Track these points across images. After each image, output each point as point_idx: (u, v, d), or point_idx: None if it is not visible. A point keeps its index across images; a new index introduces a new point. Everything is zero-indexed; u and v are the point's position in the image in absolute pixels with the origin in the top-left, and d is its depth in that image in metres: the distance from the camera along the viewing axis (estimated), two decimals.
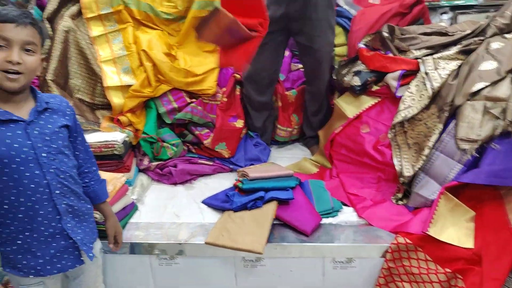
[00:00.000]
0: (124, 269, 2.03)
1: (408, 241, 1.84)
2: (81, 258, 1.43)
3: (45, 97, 1.37)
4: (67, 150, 1.39)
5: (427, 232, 1.80)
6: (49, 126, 1.32)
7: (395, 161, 2.16)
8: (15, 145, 1.23)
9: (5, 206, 1.27)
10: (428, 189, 2.03)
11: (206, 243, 1.92)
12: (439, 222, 1.84)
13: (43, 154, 1.29)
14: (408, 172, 2.11)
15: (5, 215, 1.28)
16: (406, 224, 1.94)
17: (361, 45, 2.52)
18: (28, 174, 1.26)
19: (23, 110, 1.28)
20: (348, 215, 2.10)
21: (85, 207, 1.46)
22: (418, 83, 2.22)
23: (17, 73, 1.22)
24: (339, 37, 2.78)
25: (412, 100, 2.20)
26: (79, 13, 2.77)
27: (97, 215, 1.68)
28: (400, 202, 2.14)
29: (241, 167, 2.58)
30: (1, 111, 1.23)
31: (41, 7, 2.72)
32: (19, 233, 1.30)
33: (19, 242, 1.31)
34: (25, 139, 1.25)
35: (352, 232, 1.98)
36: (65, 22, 2.62)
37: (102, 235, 1.67)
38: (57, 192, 1.32)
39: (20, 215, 1.28)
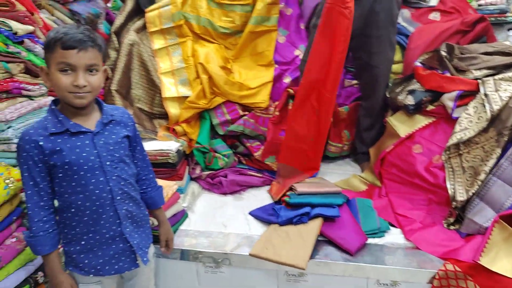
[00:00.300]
0: (173, 273, 2.11)
1: (458, 268, 1.78)
2: (137, 262, 1.52)
3: (110, 109, 1.48)
4: (128, 159, 1.48)
5: (478, 261, 1.73)
6: (112, 136, 1.42)
7: (448, 185, 2.09)
8: (83, 154, 1.34)
9: (72, 210, 1.38)
10: (483, 215, 1.95)
11: (250, 254, 1.97)
12: (492, 252, 1.76)
13: (107, 163, 1.39)
14: (461, 196, 2.03)
15: (71, 217, 1.39)
16: (456, 251, 1.87)
17: (418, 63, 2.47)
18: (94, 180, 1.36)
19: (90, 121, 1.39)
20: (395, 236, 2.06)
21: (142, 214, 1.55)
22: (477, 104, 2.14)
23: (85, 92, 1.33)
24: (395, 54, 2.73)
25: (469, 122, 2.12)
26: (143, 27, 2.94)
27: (150, 220, 1.78)
28: (452, 227, 2.06)
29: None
30: (72, 124, 1.34)
31: (110, 21, 2.92)
32: (83, 234, 1.41)
33: (82, 242, 1.41)
34: (92, 148, 1.35)
35: (398, 254, 1.94)
36: (130, 36, 2.79)
37: (155, 240, 1.76)
38: (118, 198, 1.42)
39: (85, 218, 1.39)
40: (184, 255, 2.06)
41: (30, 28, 1.87)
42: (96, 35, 1.35)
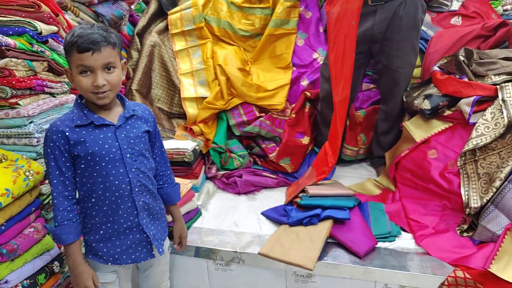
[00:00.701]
0: (185, 269, 2.16)
1: (468, 276, 1.75)
2: (153, 252, 1.57)
3: (132, 105, 1.55)
4: (147, 153, 1.55)
5: (488, 269, 1.70)
6: (134, 130, 1.49)
7: (462, 191, 2.06)
8: (105, 146, 1.41)
9: (92, 200, 1.45)
10: (497, 223, 1.91)
11: (259, 253, 1.99)
12: (503, 260, 1.72)
13: (128, 155, 1.45)
14: (475, 203, 2.00)
15: (91, 207, 1.46)
16: (467, 258, 1.84)
17: (436, 68, 2.44)
18: (114, 171, 1.43)
19: (113, 115, 1.46)
20: (406, 241, 2.04)
21: (158, 207, 1.60)
22: (494, 110, 2.10)
23: (105, 91, 1.39)
24: None
25: (486, 128, 2.09)
26: (165, 29, 3.02)
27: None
28: (465, 234, 2.03)
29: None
30: (96, 117, 1.41)
31: (133, 23, 3.01)
32: (102, 224, 1.47)
33: (101, 232, 1.48)
34: (114, 141, 1.42)
35: (407, 259, 1.92)
36: (152, 37, 2.87)
37: (170, 235, 1.81)
38: (136, 189, 1.48)
39: (104, 208, 1.45)
40: (196, 252, 2.11)
41: (54, 28, 1.95)
42: (111, 32, 1.39)
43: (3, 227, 1.62)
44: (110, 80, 1.38)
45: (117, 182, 1.44)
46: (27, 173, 1.72)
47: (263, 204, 2.47)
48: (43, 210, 1.89)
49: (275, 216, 2.27)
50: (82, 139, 1.39)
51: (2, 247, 1.59)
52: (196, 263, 2.13)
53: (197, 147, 2.60)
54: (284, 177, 2.71)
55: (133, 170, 1.46)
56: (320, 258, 1.93)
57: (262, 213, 2.35)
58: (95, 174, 1.42)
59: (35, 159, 1.83)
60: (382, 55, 2.46)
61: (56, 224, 1.43)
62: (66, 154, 1.40)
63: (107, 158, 1.42)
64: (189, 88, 2.83)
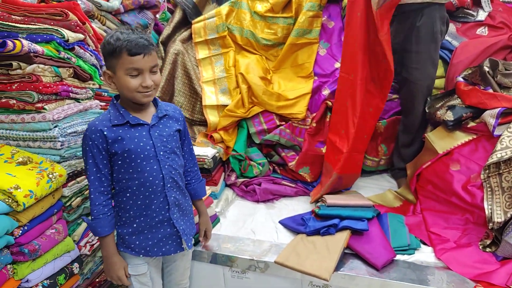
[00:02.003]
0: (202, 275, 2.17)
1: None
2: (182, 246, 1.64)
3: (164, 105, 1.63)
4: (178, 151, 1.62)
5: (511, 286, 1.64)
6: (166, 129, 1.57)
7: (486, 205, 2.01)
8: (140, 144, 1.49)
9: (127, 194, 1.53)
10: None
11: (275, 262, 1.98)
12: None
13: (161, 152, 1.53)
14: (499, 218, 1.94)
15: (126, 201, 1.54)
16: (489, 274, 1.79)
17: (460, 78, 2.40)
18: (149, 168, 1.50)
19: (147, 115, 1.54)
20: (425, 254, 2.00)
21: (187, 203, 1.68)
22: None
23: (151, 90, 1.48)
24: (438, 69, 2.66)
25: (511, 140, 2.03)
26: (189, 38, 3.08)
27: None
28: (487, 249, 1.98)
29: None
30: (131, 117, 1.50)
31: (158, 31, 3.08)
32: (136, 217, 1.55)
33: (134, 225, 1.56)
34: (148, 139, 1.50)
35: (427, 273, 1.88)
36: (176, 46, 2.92)
37: None
38: (169, 185, 1.55)
39: (138, 202, 1.53)
40: (213, 258, 2.12)
41: (80, 36, 2.01)
42: (149, 36, 1.49)
43: (25, 227, 1.67)
44: (155, 81, 1.48)
45: (151, 178, 1.51)
46: (50, 176, 1.77)
47: (281, 213, 2.47)
48: (64, 212, 1.94)
49: (293, 225, 2.26)
50: (120, 137, 1.48)
51: (24, 247, 1.64)
52: (213, 269, 2.14)
53: (217, 154, 2.62)
54: (303, 186, 2.69)
55: (166, 166, 1.54)
56: (337, 268, 1.91)
57: (280, 222, 2.35)
58: (130, 170, 1.50)
59: (58, 162, 1.88)
60: (402, 66, 2.45)
61: (92, 217, 1.52)
62: (103, 152, 1.48)
63: (142, 155, 1.50)
64: (210, 96, 2.87)
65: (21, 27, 1.88)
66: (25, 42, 1.75)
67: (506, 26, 2.70)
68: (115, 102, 1.54)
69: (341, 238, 2.01)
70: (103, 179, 1.51)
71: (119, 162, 1.50)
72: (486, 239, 2.00)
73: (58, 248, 1.80)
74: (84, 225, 2.04)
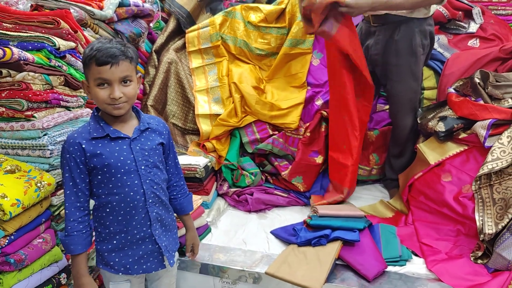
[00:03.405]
0: (192, 286, 2.14)
1: None
2: (164, 263, 1.58)
3: (147, 117, 1.58)
4: (161, 165, 1.57)
5: None
6: (148, 143, 1.52)
7: (477, 216, 2.01)
8: (121, 158, 1.44)
9: (107, 209, 1.47)
10: None
11: (266, 273, 1.97)
12: None
13: (142, 167, 1.47)
14: (490, 229, 1.94)
15: (106, 217, 1.48)
16: (481, 286, 1.79)
17: (451, 90, 2.41)
18: (129, 183, 1.45)
19: (128, 127, 1.49)
20: (417, 266, 1.99)
21: (170, 218, 1.62)
22: (511, 134, 2.06)
23: (121, 103, 1.43)
24: (429, 80, 2.68)
25: (502, 152, 2.04)
26: (183, 47, 3.08)
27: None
28: (479, 261, 1.97)
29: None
30: (112, 130, 1.44)
31: (152, 40, 3.08)
32: (116, 234, 1.49)
33: (114, 242, 1.50)
34: (129, 153, 1.45)
35: (418, 285, 1.86)
36: (169, 54, 2.93)
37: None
38: (150, 201, 1.50)
39: (119, 218, 1.47)
40: (203, 268, 2.10)
41: (72, 44, 2.01)
42: (128, 47, 1.43)
43: (12, 237, 1.64)
44: (126, 93, 1.41)
45: (132, 193, 1.46)
46: (39, 184, 1.75)
47: (273, 223, 2.46)
48: (53, 221, 1.91)
49: (284, 235, 2.24)
50: (99, 151, 1.42)
51: (10, 257, 1.61)
52: (203, 280, 2.11)
53: (209, 164, 2.61)
54: (295, 196, 2.68)
55: (148, 181, 1.49)
56: (328, 279, 1.89)
57: (271, 232, 2.33)
58: (110, 185, 1.45)
59: (47, 171, 1.87)
60: (385, 79, 2.46)
61: (66, 233, 1.46)
62: (81, 166, 1.43)
63: (122, 170, 1.44)
64: (203, 105, 2.86)
65: (12, 34, 1.88)
66: (15, 49, 1.74)
67: (497, 38, 2.72)
68: (95, 114, 1.49)
69: (332, 249, 2.00)
70: (80, 194, 1.44)
71: (99, 177, 1.45)
72: (478, 251, 1.99)
73: (45, 258, 1.78)
74: None
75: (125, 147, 1.46)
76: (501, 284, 1.73)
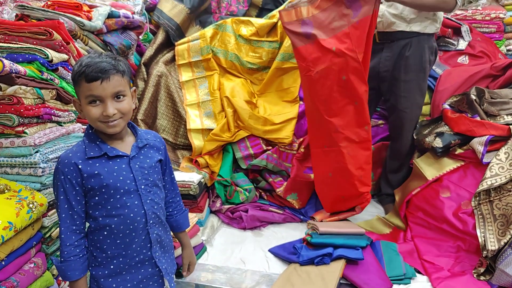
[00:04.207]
0: None
1: None
2: (164, 286, 1.49)
3: (144, 133, 1.48)
4: (160, 183, 1.48)
5: None
6: (147, 160, 1.42)
7: (478, 232, 2.01)
8: (120, 178, 1.34)
9: (105, 232, 1.36)
10: None
11: None
12: None
13: (142, 186, 1.38)
14: (492, 245, 1.94)
15: (103, 240, 1.37)
16: None
17: (446, 106, 2.43)
18: (129, 204, 1.36)
19: (125, 145, 1.39)
20: (421, 284, 1.97)
21: (168, 239, 1.53)
22: (508, 150, 2.08)
23: (115, 119, 1.32)
24: None
25: (500, 168, 2.06)
26: (172, 60, 3.01)
27: None
28: (482, 278, 1.96)
29: (311, 218, 2.56)
30: (109, 148, 1.34)
31: (140, 53, 2.99)
32: (114, 258, 1.39)
33: (111, 266, 1.39)
34: (128, 172, 1.35)
35: None
36: (159, 67, 2.85)
37: None
38: (151, 221, 1.41)
39: (118, 241, 1.37)
40: None
41: (64, 56, 1.92)
42: (119, 60, 1.34)
43: (3, 263, 1.53)
44: (120, 109, 1.31)
45: (132, 215, 1.37)
46: (31, 205, 1.64)
47: (269, 241, 2.40)
48: (43, 244, 1.80)
49: (284, 253, 2.19)
50: (96, 172, 1.32)
51: (2, 284, 1.50)
52: None
53: (202, 180, 2.54)
54: (291, 212, 2.63)
55: (148, 201, 1.40)
56: None
57: (270, 250, 2.27)
58: (109, 206, 1.35)
59: (39, 190, 1.76)
60: (390, 94, 2.46)
61: (62, 259, 1.35)
62: (77, 188, 1.33)
63: (122, 190, 1.35)
64: (195, 119, 2.79)
65: (1, 45, 1.77)
66: (6, 62, 1.64)
67: (485, 55, 2.78)
68: (90, 131, 1.37)
69: (337, 268, 1.96)
70: (76, 216, 1.34)
71: (96, 198, 1.34)
72: (480, 267, 1.99)
73: (37, 284, 1.67)
74: None
75: (124, 166, 1.36)
76: None
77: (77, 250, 1.34)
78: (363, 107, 2.16)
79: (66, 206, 1.33)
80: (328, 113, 2.25)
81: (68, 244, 1.33)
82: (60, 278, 1.83)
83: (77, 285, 1.36)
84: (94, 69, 1.26)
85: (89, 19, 2.42)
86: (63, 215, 1.33)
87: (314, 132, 2.43)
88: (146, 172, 1.40)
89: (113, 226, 1.36)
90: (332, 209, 2.45)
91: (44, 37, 1.85)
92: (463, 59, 2.81)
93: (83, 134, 2.01)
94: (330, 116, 2.25)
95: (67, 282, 1.83)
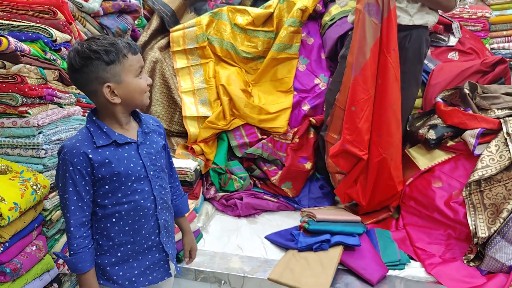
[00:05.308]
0: None
1: None
2: (170, 272, 1.49)
3: (146, 118, 1.47)
4: (166, 168, 1.49)
5: None
6: (154, 146, 1.41)
7: (469, 220, 2.09)
8: (131, 165, 1.33)
9: (113, 220, 1.34)
10: (505, 254, 1.94)
11: (269, 279, 1.93)
12: None
13: (151, 172, 1.37)
14: (483, 233, 2.03)
15: (111, 228, 1.35)
16: None
17: (439, 99, 2.51)
18: (140, 190, 1.35)
19: (131, 131, 1.37)
20: (415, 269, 2.04)
21: (172, 223, 1.52)
22: (499, 143, 2.17)
23: None
24: None
25: (491, 160, 2.14)
26: (167, 46, 2.98)
27: None
28: (471, 264, 2.05)
29: (304, 206, 2.60)
30: (117, 135, 1.31)
31: (134, 38, 2.96)
32: (121, 245, 1.37)
33: (119, 254, 1.37)
34: (137, 158, 1.34)
35: None
36: (154, 53, 2.82)
37: None
38: (160, 207, 1.40)
39: (126, 228, 1.35)
40: (202, 276, 2.03)
41: (68, 37, 1.88)
42: None
43: (6, 244, 1.50)
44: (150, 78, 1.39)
45: (142, 201, 1.36)
46: (34, 187, 1.61)
47: (265, 228, 2.43)
48: (44, 227, 1.77)
49: (281, 240, 2.22)
50: (107, 160, 1.29)
51: (5, 266, 1.47)
52: (201, 287, 2.04)
53: (198, 167, 2.54)
54: (285, 201, 2.67)
55: (157, 187, 1.39)
56: (331, 285, 1.89)
57: (266, 237, 2.30)
58: (119, 194, 1.33)
59: (41, 172, 1.73)
60: None
61: (71, 252, 1.31)
62: (87, 177, 1.29)
63: (133, 177, 1.33)
64: (190, 106, 2.78)
65: (3, 23, 1.73)
66: (11, 39, 1.60)
67: (474, 52, 2.87)
68: (94, 117, 1.34)
69: (335, 254, 2.00)
70: (85, 207, 1.31)
71: (106, 187, 1.32)
72: (470, 254, 2.07)
73: (39, 267, 1.65)
74: (62, 241, 1.87)
75: (133, 152, 1.34)
76: (499, 286, 1.81)
77: (86, 242, 1.32)
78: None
79: (75, 198, 1.29)
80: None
81: (77, 236, 1.30)
82: (59, 262, 1.81)
83: (88, 276, 1.33)
84: (131, 43, 1.29)
85: (86, 0, 2.38)
86: (72, 207, 1.29)
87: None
88: (153, 157, 1.40)
89: (123, 213, 1.34)
90: (367, 209, 2.47)
91: (48, 16, 1.81)
92: (453, 55, 2.90)
93: (82, 118, 2.00)
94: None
95: (66, 266, 1.83)
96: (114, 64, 1.25)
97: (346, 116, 2.31)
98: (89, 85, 1.27)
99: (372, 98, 2.26)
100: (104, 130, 1.31)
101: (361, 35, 2.20)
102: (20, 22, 1.76)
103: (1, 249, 1.47)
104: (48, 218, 1.77)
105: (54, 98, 1.83)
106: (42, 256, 1.67)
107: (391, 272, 2.00)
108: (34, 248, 1.64)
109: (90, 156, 1.27)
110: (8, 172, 1.65)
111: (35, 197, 1.60)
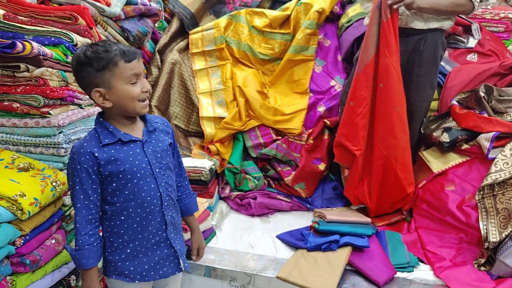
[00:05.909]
0: None
1: None
2: (180, 267, 1.55)
3: (152, 117, 1.53)
4: (172, 166, 1.54)
5: None
6: (159, 144, 1.47)
7: (481, 225, 2.07)
8: (136, 162, 1.39)
9: (122, 217, 1.41)
10: None
11: (277, 277, 1.98)
12: None
13: (157, 170, 1.43)
14: (494, 238, 2.01)
15: (120, 225, 1.42)
16: None
17: (454, 102, 2.49)
18: (146, 187, 1.41)
19: (137, 130, 1.44)
20: (424, 272, 2.04)
21: (180, 221, 1.59)
22: None
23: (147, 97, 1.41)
24: None
25: (505, 164, 2.12)
26: (186, 48, 3.06)
27: None
28: (482, 268, 2.04)
29: (317, 207, 2.63)
30: (123, 134, 1.38)
31: (155, 40, 3.05)
32: (130, 241, 1.43)
33: (128, 250, 1.44)
34: (143, 156, 1.40)
35: None
36: (173, 55, 2.91)
37: None
38: (166, 204, 1.46)
39: (134, 225, 1.42)
40: (210, 272, 2.09)
41: (88, 41, 1.97)
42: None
43: (27, 237, 1.60)
44: (148, 86, 1.39)
45: (149, 198, 1.42)
46: (54, 183, 1.71)
47: (277, 227, 2.47)
48: (63, 221, 1.87)
49: (292, 240, 2.26)
50: (113, 158, 1.36)
51: (26, 258, 1.57)
52: (211, 283, 2.11)
53: (213, 166, 2.61)
54: (298, 201, 2.71)
55: (163, 184, 1.45)
56: (338, 285, 1.92)
57: (277, 237, 2.34)
58: (126, 191, 1.39)
59: (61, 170, 1.83)
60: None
61: (76, 247, 1.38)
62: (93, 176, 1.35)
63: (138, 175, 1.40)
64: (207, 107, 2.85)
65: (28, 28, 1.84)
66: (35, 44, 1.70)
67: (494, 54, 2.83)
68: (101, 119, 1.40)
69: (343, 254, 2.03)
70: (92, 205, 1.37)
71: (113, 185, 1.38)
72: (481, 258, 2.06)
73: (57, 259, 1.74)
74: None
75: (138, 150, 1.40)
76: None
77: (92, 239, 1.38)
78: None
79: (82, 196, 1.35)
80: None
81: (83, 233, 1.37)
82: None
83: (90, 273, 1.40)
84: (128, 50, 1.32)
85: (108, 5, 2.47)
86: (79, 205, 1.36)
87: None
88: (159, 155, 1.45)
89: (130, 210, 1.41)
90: (377, 211, 2.49)
91: (70, 21, 1.91)
92: (472, 57, 2.86)
93: None
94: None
95: None
96: (104, 71, 1.30)
97: (344, 110, 2.36)
98: (85, 88, 1.36)
99: (371, 97, 2.28)
100: (110, 129, 1.38)
101: (370, 34, 2.22)
102: (43, 27, 1.86)
103: (22, 241, 1.57)
104: (67, 213, 1.87)
105: (75, 99, 1.93)
106: (61, 249, 1.76)
107: (399, 275, 2.01)
108: (53, 241, 1.74)
109: (96, 154, 1.34)
110: (30, 169, 1.76)
111: (55, 193, 1.69)
